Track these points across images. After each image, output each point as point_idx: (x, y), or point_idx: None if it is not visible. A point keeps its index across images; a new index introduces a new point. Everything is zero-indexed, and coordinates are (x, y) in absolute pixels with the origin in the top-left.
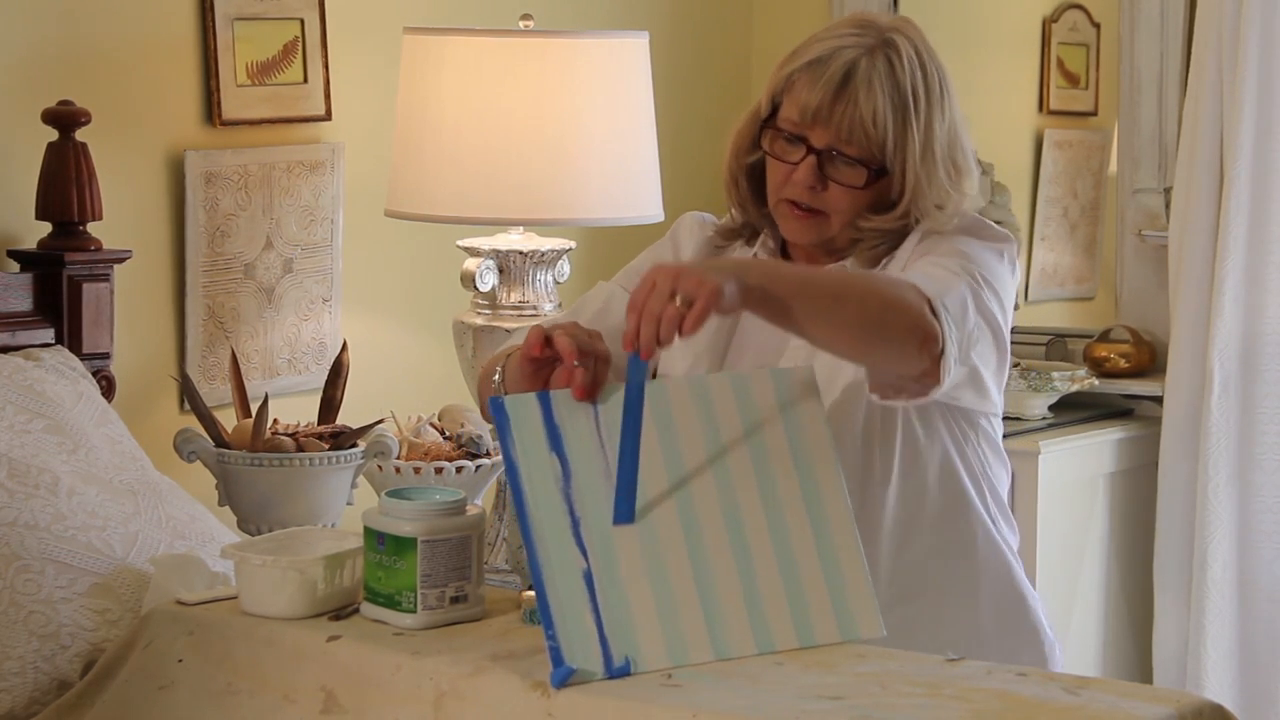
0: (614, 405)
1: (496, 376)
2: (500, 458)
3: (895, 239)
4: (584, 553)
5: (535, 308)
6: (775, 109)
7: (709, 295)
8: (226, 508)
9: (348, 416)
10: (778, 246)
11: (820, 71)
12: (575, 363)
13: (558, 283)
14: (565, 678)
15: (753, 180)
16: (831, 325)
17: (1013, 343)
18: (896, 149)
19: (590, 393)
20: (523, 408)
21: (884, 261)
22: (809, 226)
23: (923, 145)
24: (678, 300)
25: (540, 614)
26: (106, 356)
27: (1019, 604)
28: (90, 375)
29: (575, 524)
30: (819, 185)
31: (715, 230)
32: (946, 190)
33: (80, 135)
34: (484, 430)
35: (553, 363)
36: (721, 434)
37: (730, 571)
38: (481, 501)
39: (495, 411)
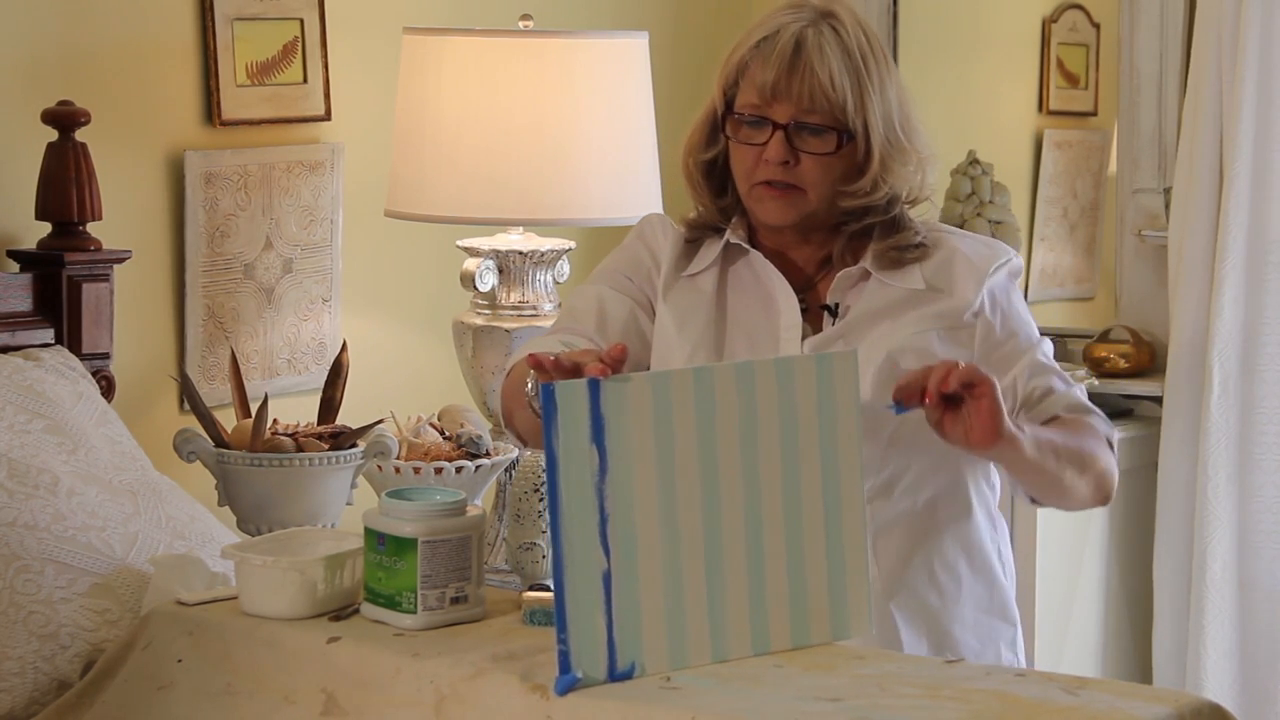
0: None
1: (529, 385)
2: (500, 458)
3: (884, 225)
4: (607, 553)
5: (535, 308)
6: (730, 101)
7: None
8: (226, 508)
9: (347, 416)
10: (747, 233)
11: (770, 48)
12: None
13: (557, 283)
14: (569, 686)
15: (710, 178)
16: (1050, 489)
17: None
18: (858, 110)
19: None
20: (571, 395)
21: (900, 256)
22: (788, 204)
23: (881, 103)
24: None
25: (555, 616)
26: (106, 356)
27: (994, 586)
28: (90, 375)
29: (603, 521)
30: (791, 159)
31: (684, 224)
32: (908, 149)
33: (80, 135)
34: (484, 430)
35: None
36: (758, 425)
37: (741, 572)
38: (481, 501)
39: (544, 400)
